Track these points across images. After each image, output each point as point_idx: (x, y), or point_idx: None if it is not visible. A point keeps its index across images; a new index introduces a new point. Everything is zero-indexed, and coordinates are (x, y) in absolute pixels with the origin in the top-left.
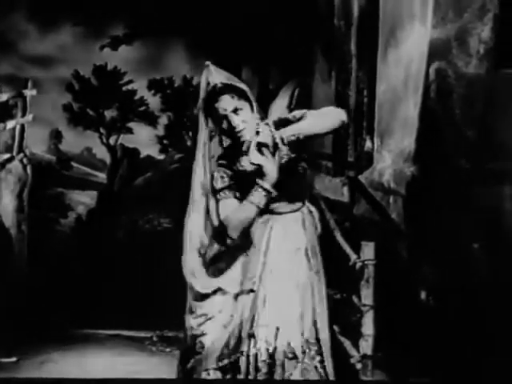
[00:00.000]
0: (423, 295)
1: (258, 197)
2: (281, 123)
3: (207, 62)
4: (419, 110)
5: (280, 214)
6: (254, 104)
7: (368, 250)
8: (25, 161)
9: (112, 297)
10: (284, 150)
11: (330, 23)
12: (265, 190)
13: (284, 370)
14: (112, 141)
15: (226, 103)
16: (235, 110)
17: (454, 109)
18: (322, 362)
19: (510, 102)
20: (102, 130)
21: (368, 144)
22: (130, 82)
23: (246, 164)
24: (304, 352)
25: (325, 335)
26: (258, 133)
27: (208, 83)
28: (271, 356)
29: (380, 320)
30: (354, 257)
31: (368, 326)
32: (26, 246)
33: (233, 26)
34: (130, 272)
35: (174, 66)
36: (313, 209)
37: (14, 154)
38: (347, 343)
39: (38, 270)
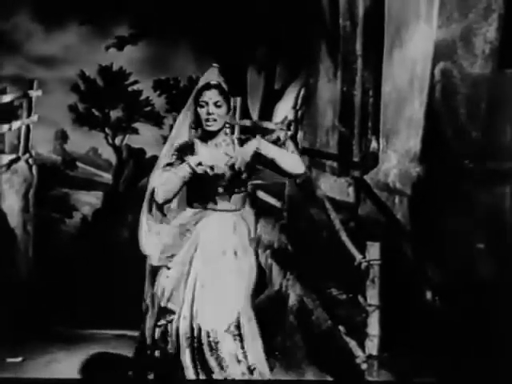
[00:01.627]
0: (429, 295)
1: (182, 170)
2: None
3: (215, 64)
4: (424, 110)
5: (214, 210)
6: (231, 110)
7: (373, 250)
8: (30, 161)
9: (118, 296)
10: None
11: (336, 23)
12: (190, 166)
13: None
14: (118, 141)
15: (213, 95)
16: (216, 103)
17: (459, 109)
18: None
19: None
20: (107, 131)
21: (373, 144)
22: (136, 82)
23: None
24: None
25: (246, 329)
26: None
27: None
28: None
29: (386, 320)
30: (359, 257)
31: (374, 326)
32: (31, 246)
33: (238, 27)
34: (135, 272)
35: (180, 67)
36: (249, 216)
37: (20, 154)
38: (353, 343)
39: (44, 270)
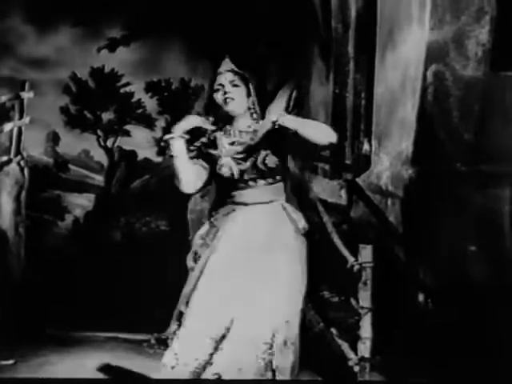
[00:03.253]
0: (421, 297)
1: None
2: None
3: (226, 56)
4: (417, 112)
5: (245, 204)
6: (253, 93)
7: (366, 253)
8: (22, 163)
9: (110, 299)
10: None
11: (328, 25)
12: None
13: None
14: (109, 143)
15: (227, 76)
16: (232, 81)
17: (452, 111)
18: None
19: (507, 104)
20: (99, 133)
21: (366, 146)
22: (128, 84)
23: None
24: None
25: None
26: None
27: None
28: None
29: (378, 322)
30: (351, 259)
31: (366, 329)
32: (23, 248)
33: (231, 29)
34: (128, 274)
35: (172, 68)
36: (287, 206)
37: (12, 156)
38: (345, 346)
39: (36, 272)
